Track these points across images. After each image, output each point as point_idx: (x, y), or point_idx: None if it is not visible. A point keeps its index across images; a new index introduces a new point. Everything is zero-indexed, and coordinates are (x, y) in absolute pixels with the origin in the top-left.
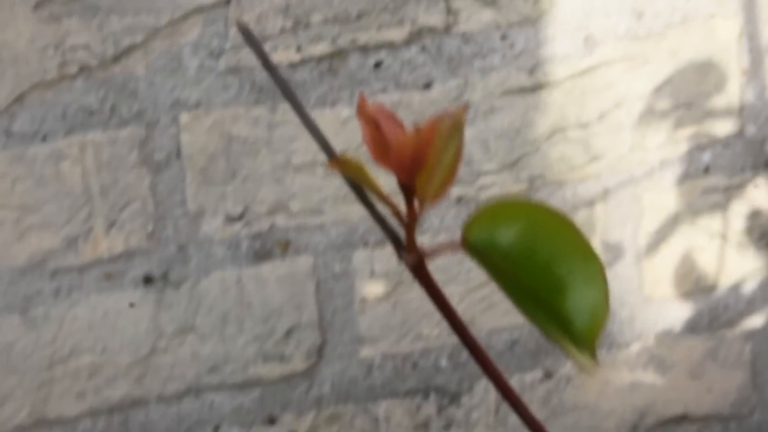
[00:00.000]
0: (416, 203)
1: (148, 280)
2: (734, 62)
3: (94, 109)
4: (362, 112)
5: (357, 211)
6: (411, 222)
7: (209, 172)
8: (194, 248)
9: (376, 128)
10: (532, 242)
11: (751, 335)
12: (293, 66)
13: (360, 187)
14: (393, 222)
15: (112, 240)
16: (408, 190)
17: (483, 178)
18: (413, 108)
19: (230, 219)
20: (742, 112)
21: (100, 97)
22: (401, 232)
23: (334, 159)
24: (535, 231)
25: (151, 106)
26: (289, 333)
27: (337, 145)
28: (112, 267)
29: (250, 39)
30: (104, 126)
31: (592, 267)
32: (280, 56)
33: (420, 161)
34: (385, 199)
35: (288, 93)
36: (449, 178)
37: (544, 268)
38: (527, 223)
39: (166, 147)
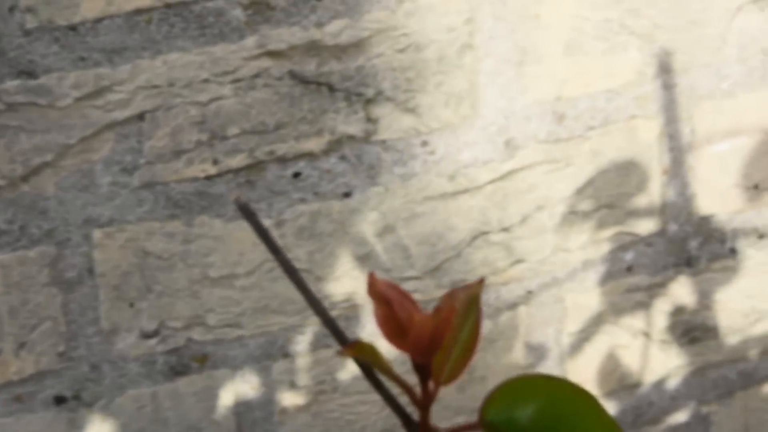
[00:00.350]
0: (431, 384)
1: (60, 401)
2: (655, 162)
3: (2, 230)
4: (373, 291)
5: (276, 322)
6: (426, 403)
7: (123, 289)
8: (108, 367)
9: (389, 308)
10: (552, 418)
11: None
12: (210, 179)
13: (368, 366)
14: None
15: (22, 362)
16: (423, 371)
17: (405, 285)
18: (333, 217)
19: (145, 335)
20: (663, 210)
21: (8, 218)
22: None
23: (348, 346)
24: (554, 406)
25: (62, 225)
26: None
27: (255, 257)
28: (23, 389)
29: (247, 213)
30: (13, 246)
31: None
32: (196, 170)
33: (437, 341)
34: (400, 383)
35: (291, 271)
36: (467, 356)
37: None
38: (546, 398)
39: (78, 265)
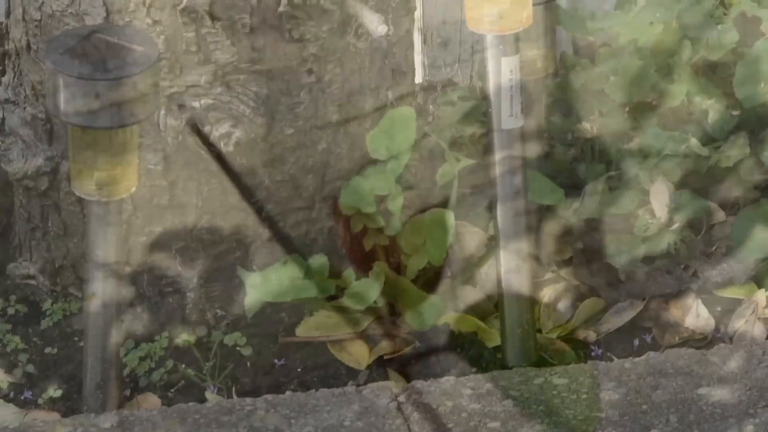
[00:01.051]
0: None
1: None
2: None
3: None
4: (339, 216)
5: (166, 257)
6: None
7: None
8: None
9: (356, 234)
10: None
11: None
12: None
13: None
14: None
15: None
16: (392, 304)
17: (294, 215)
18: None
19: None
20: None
21: None
22: None
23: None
24: None
25: None
26: None
27: (143, 193)
28: None
29: (199, 133)
30: None
31: None
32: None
33: (405, 266)
34: (373, 314)
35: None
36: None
37: None
38: None
39: None
